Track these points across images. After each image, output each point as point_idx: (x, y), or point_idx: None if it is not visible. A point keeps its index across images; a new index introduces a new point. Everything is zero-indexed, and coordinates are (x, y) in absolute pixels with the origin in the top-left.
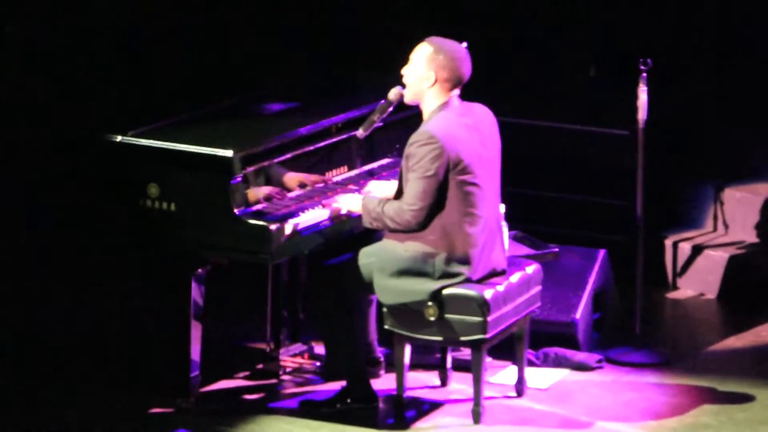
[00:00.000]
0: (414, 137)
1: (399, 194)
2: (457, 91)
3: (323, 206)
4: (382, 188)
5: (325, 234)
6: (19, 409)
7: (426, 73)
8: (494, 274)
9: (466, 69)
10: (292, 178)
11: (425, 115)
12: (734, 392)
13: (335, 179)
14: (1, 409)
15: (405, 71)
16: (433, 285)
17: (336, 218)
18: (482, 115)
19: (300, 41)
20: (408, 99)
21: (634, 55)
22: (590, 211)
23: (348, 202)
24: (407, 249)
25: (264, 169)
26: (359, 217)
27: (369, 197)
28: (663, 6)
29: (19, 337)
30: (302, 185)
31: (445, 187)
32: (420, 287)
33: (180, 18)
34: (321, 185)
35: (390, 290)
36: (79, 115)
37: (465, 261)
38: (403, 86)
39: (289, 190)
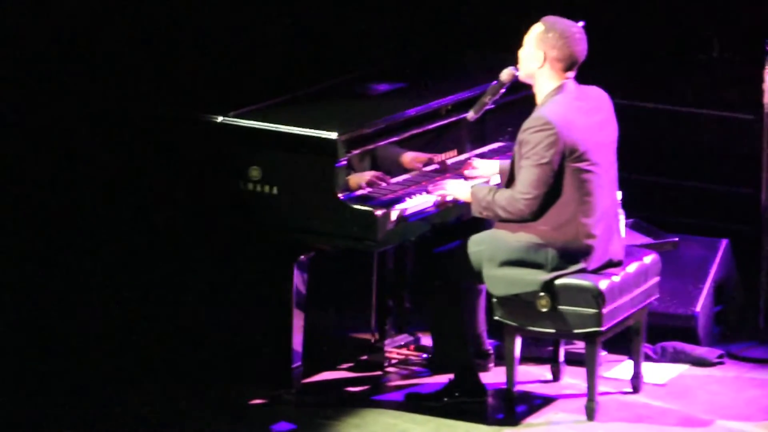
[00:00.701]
0: (528, 123)
1: (511, 181)
2: (572, 74)
3: (429, 192)
4: (486, 166)
5: (432, 221)
6: (112, 399)
7: (535, 53)
8: (611, 264)
9: (581, 49)
10: (409, 157)
11: (538, 99)
12: None
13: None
14: (94, 399)
15: (520, 52)
16: (545, 275)
17: (442, 205)
18: (599, 99)
19: (408, 18)
20: (522, 77)
21: (760, 34)
22: (712, 199)
23: (456, 190)
24: (519, 239)
25: (374, 150)
26: (466, 204)
27: (478, 185)
28: None
29: (120, 322)
30: (422, 164)
31: (560, 176)
32: (532, 278)
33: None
34: (428, 170)
35: (500, 280)
36: (181, 94)
37: (580, 252)
38: (517, 67)
39: (404, 171)
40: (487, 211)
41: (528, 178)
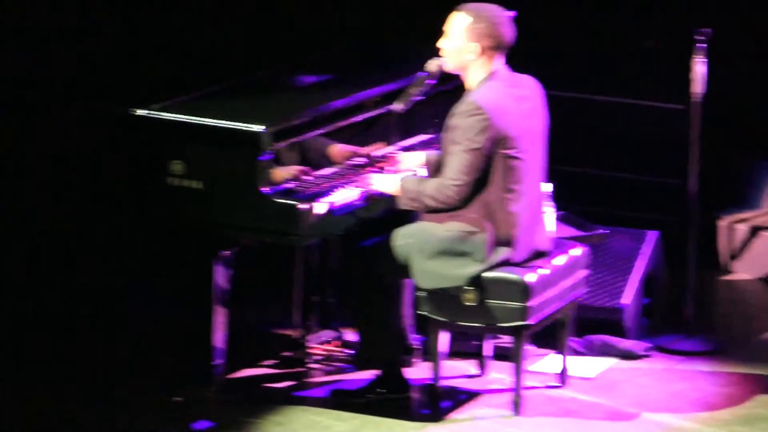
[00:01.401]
0: (458, 107)
1: (439, 171)
2: (502, 58)
3: (356, 186)
4: (411, 158)
5: (358, 215)
6: (35, 400)
7: (468, 45)
8: (537, 254)
9: (510, 32)
10: (337, 150)
11: (470, 86)
12: None
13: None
14: (14, 401)
15: (442, 44)
16: (473, 269)
17: (369, 198)
18: (530, 87)
19: (331, 11)
20: (451, 69)
21: (689, 24)
22: (641, 191)
23: (383, 183)
24: (448, 229)
25: (303, 143)
26: (393, 197)
27: (406, 177)
28: None
29: (37, 320)
30: (349, 158)
31: (490, 162)
32: (460, 271)
33: None
34: (355, 163)
35: (429, 274)
36: (101, 88)
37: (507, 240)
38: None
39: (332, 163)
40: (415, 203)
41: (458, 163)
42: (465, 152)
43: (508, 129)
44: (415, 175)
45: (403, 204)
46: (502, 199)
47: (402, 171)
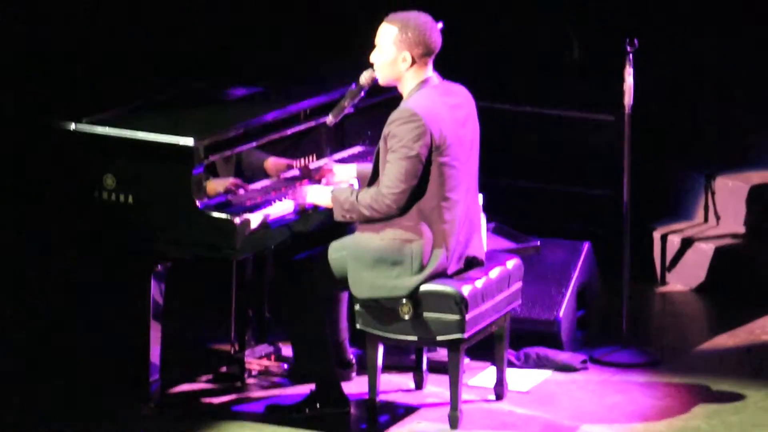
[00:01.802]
0: (394, 115)
1: (375, 177)
2: (431, 65)
3: (289, 198)
4: (343, 170)
5: (293, 228)
6: None
7: (400, 55)
8: (471, 263)
9: (438, 36)
10: (273, 163)
11: (405, 94)
12: (726, 393)
13: (320, 162)
14: None
15: (374, 57)
16: (409, 281)
17: (303, 211)
18: (462, 96)
19: (266, 24)
20: (383, 82)
21: (621, 34)
22: (574, 202)
23: (316, 195)
24: (383, 237)
25: (238, 155)
26: (328, 210)
27: (338, 188)
28: None
29: None
30: (285, 170)
31: (427, 169)
32: (396, 283)
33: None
34: (289, 175)
35: (365, 283)
36: (30, 102)
37: (442, 247)
38: (374, 71)
39: (268, 176)
40: (350, 213)
41: (395, 171)
42: (402, 160)
43: (443, 135)
44: (350, 186)
45: (339, 216)
46: (437, 207)
47: (335, 183)
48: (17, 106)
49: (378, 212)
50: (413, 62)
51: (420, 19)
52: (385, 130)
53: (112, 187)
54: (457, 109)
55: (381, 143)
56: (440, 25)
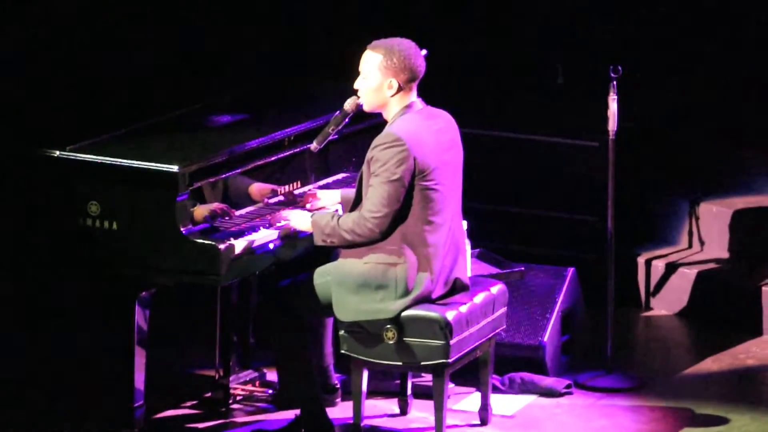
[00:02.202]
0: (378, 140)
1: (358, 202)
2: (415, 90)
3: (270, 225)
4: (328, 196)
5: (278, 254)
6: None
7: (385, 81)
8: (456, 287)
9: (422, 62)
10: (257, 188)
11: (389, 120)
12: (711, 417)
13: (305, 188)
14: None
15: (358, 84)
16: (393, 305)
17: (286, 237)
18: (446, 121)
19: (249, 49)
20: (368, 108)
21: (603, 62)
22: (558, 228)
23: (297, 220)
24: (367, 261)
25: (224, 182)
26: (312, 236)
27: (319, 213)
28: (633, 11)
29: None
30: (269, 196)
31: (410, 193)
32: (381, 306)
33: (123, 26)
34: (273, 202)
35: (349, 307)
36: (14, 129)
37: (426, 271)
38: (359, 97)
39: (253, 202)
40: (331, 238)
41: (378, 195)
42: (384, 184)
43: (426, 160)
44: (335, 212)
45: (320, 240)
46: (421, 231)
47: (320, 208)
48: (1, 132)
49: (360, 236)
50: (399, 89)
51: (404, 44)
52: (369, 155)
53: (96, 213)
54: (441, 133)
55: (364, 167)
56: (424, 52)
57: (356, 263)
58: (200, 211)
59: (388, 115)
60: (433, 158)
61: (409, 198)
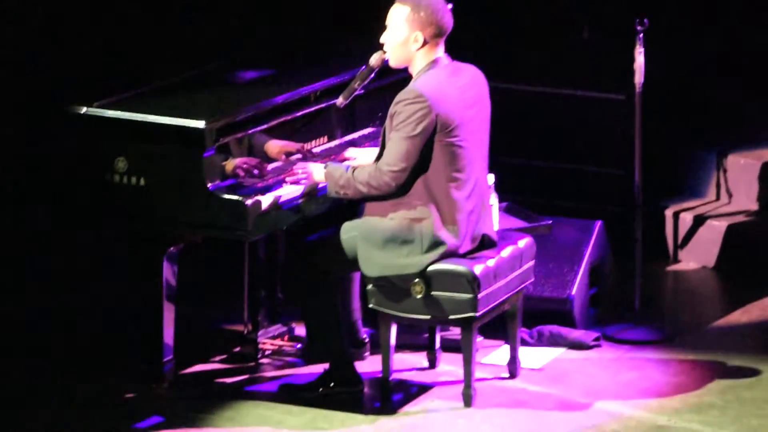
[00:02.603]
0: (401, 95)
1: (381, 156)
2: (443, 46)
3: (285, 177)
4: (363, 155)
5: (304, 209)
6: None
7: (411, 35)
8: (483, 242)
9: (449, 17)
10: (274, 146)
11: (414, 75)
12: (740, 369)
13: (316, 149)
14: None
15: (385, 38)
16: (420, 259)
17: (309, 193)
18: (473, 76)
19: (271, 4)
20: (394, 64)
21: (629, 15)
22: (585, 181)
23: (311, 172)
24: (393, 217)
25: (245, 137)
26: None
27: (333, 164)
28: None
29: None
30: (287, 153)
31: (430, 149)
32: (407, 261)
33: None
34: (296, 159)
35: (375, 262)
36: (42, 85)
37: (452, 227)
38: (385, 52)
39: (271, 160)
40: (345, 190)
41: (397, 150)
42: (404, 139)
43: (449, 116)
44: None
45: (333, 192)
46: (446, 187)
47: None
48: (28, 90)
49: (375, 189)
50: (424, 42)
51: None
52: (391, 109)
53: (123, 170)
54: (466, 89)
55: (387, 122)
56: (450, 5)
57: (382, 219)
58: (230, 165)
59: (413, 70)
60: (456, 114)
61: (432, 154)
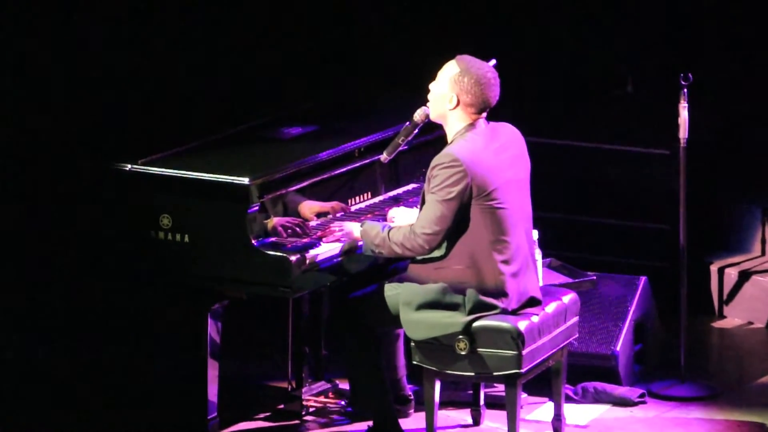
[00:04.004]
0: (436, 160)
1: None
2: (483, 115)
3: (322, 234)
4: (405, 215)
5: (347, 265)
6: None
7: (448, 94)
8: (529, 303)
9: (494, 94)
10: (307, 206)
11: (449, 137)
12: None
13: (355, 207)
14: None
15: (431, 86)
16: (464, 317)
17: (347, 250)
18: (510, 135)
19: (316, 60)
20: (433, 117)
21: (674, 70)
22: (630, 237)
23: (348, 231)
24: (435, 280)
25: (281, 196)
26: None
27: (369, 223)
28: (703, 17)
29: (26, 373)
30: (320, 214)
31: (468, 213)
32: (451, 320)
33: (192, 40)
34: (342, 214)
35: (419, 324)
36: (88, 143)
37: (498, 292)
38: (428, 102)
39: (306, 220)
40: (380, 249)
41: (431, 213)
42: (438, 203)
43: (486, 180)
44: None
45: (369, 250)
46: (489, 251)
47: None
48: (75, 147)
49: (409, 251)
50: (457, 105)
51: (482, 71)
52: (428, 173)
53: (168, 226)
54: (502, 150)
55: (425, 185)
56: (493, 61)
57: (425, 280)
58: (274, 223)
59: (448, 130)
60: (493, 178)
61: (471, 218)
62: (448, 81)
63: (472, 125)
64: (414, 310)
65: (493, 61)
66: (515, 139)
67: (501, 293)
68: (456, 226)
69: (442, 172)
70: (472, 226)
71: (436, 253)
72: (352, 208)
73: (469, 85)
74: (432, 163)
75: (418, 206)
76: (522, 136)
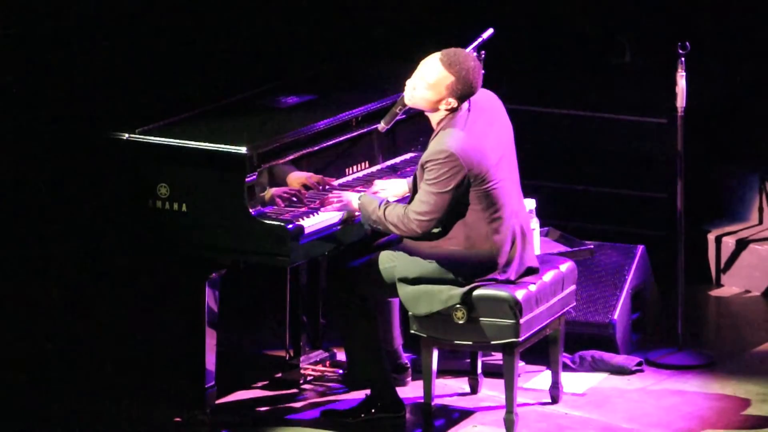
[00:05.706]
0: (432, 155)
1: (412, 200)
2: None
3: (321, 205)
4: (393, 187)
5: (345, 235)
6: (19, 420)
7: (446, 99)
8: (527, 273)
9: (480, 80)
10: (295, 177)
11: (433, 122)
12: None
13: (353, 176)
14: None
15: (415, 83)
16: (461, 288)
17: (346, 220)
18: (489, 105)
19: (314, 31)
20: (411, 105)
21: (671, 38)
22: (627, 205)
23: (346, 201)
24: (431, 256)
25: (271, 167)
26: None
27: (367, 197)
28: None
29: (23, 345)
30: (306, 186)
31: (466, 199)
32: (449, 293)
33: (189, 8)
34: (340, 183)
35: (418, 300)
36: (84, 112)
37: (495, 265)
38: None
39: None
40: (376, 225)
41: (426, 201)
42: (434, 194)
43: (481, 167)
44: (385, 199)
45: (366, 224)
46: (486, 229)
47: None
48: (71, 117)
49: (403, 232)
50: (449, 104)
51: (469, 64)
52: (424, 163)
53: (165, 196)
54: (488, 126)
55: (418, 171)
56: (490, 31)
57: (421, 255)
58: (269, 194)
59: (432, 117)
60: (487, 162)
61: (467, 202)
62: (445, 89)
63: (457, 108)
64: (410, 284)
65: (490, 31)
66: (495, 106)
67: (499, 267)
68: (451, 210)
69: (437, 167)
70: (468, 209)
71: (432, 232)
72: (350, 177)
73: (465, 88)
74: (425, 158)
75: (410, 179)
76: (499, 100)
